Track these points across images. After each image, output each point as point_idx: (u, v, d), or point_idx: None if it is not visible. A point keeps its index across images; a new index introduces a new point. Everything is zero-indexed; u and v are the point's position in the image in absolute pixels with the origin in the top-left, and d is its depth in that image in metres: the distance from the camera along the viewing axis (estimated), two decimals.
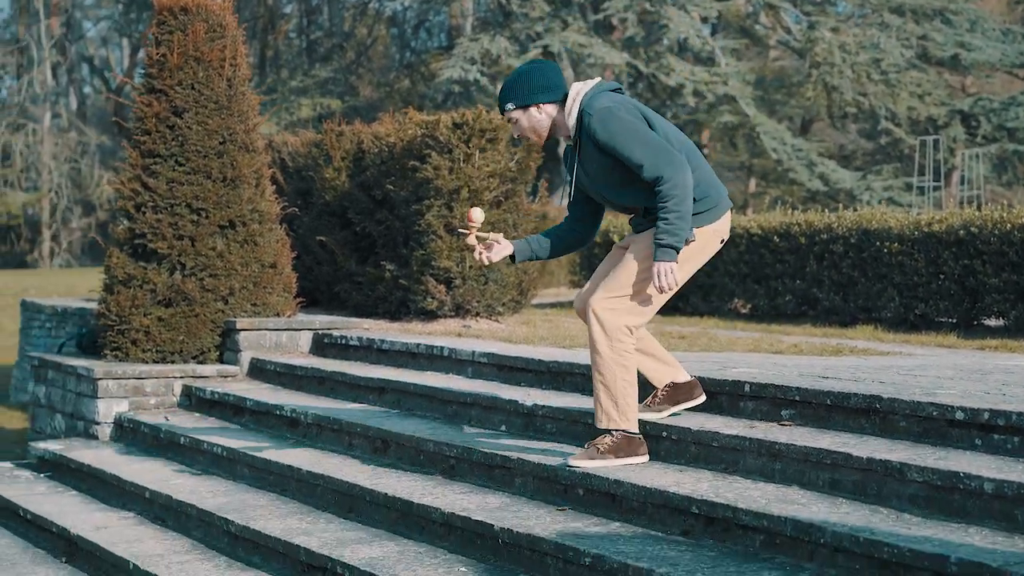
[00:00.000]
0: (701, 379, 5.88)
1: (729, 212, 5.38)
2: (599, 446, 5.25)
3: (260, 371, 8.66)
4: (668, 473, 5.19)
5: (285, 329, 8.92)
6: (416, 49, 40.32)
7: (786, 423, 5.42)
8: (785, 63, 35.34)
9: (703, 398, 5.60)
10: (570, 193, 5.46)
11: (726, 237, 5.42)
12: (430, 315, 9.45)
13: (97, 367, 8.39)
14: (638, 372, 5.35)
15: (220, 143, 8.91)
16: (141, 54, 40.51)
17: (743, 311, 11.31)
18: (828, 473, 4.82)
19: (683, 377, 5.58)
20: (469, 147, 9.19)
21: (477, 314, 9.46)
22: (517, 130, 5.33)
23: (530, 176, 9.66)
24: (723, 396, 5.79)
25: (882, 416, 5.10)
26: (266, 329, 8.84)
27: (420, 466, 6.24)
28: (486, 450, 5.84)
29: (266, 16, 37.86)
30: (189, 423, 7.94)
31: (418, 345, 7.91)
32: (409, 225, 9.55)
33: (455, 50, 28.14)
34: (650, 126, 5.17)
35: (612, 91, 5.28)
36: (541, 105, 5.25)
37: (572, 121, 5.24)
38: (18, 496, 7.33)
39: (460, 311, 9.40)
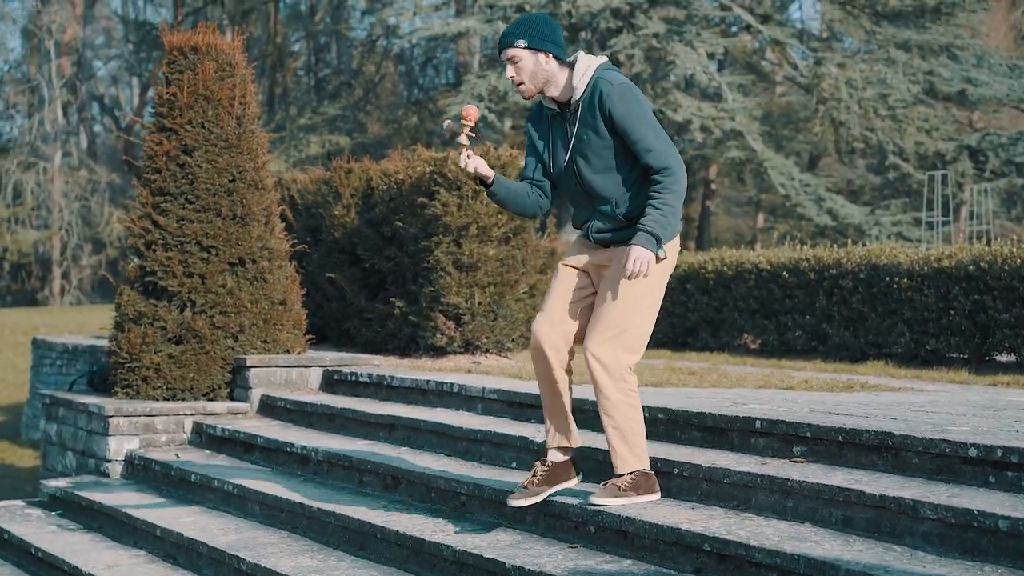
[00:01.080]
0: (712, 415, 5.88)
1: None
2: (620, 484, 5.19)
3: (270, 408, 8.66)
4: (680, 510, 5.17)
5: (295, 366, 8.93)
6: (424, 86, 40.51)
7: (798, 460, 5.40)
8: (792, 98, 35.43)
9: (579, 479, 5.38)
10: (535, 167, 5.23)
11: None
12: (440, 351, 9.45)
13: (108, 404, 8.40)
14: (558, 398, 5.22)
15: (230, 181, 8.95)
16: (151, 93, 40.73)
17: (753, 347, 11.30)
18: (841, 510, 4.80)
19: (568, 454, 5.33)
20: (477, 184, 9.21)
21: (487, 350, 9.46)
22: (515, 71, 5.05)
23: None
24: (734, 433, 5.78)
25: (894, 453, 5.08)
26: (276, 366, 8.84)
27: (431, 503, 6.23)
28: (497, 487, 5.83)
29: (275, 54, 38.08)
30: (200, 460, 7.94)
31: (428, 381, 7.91)
32: (418, 262, 9.57)
33: (462, 87, 28.25)
34: None
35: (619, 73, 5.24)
36: (549, 56, 5.05)
37: (582, 85, 5.03)
38: (29, 534, 7.32)
39: (470, 347, 9.41)
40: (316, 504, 6.34)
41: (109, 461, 8.34)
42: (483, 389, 7.40)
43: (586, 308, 5.21)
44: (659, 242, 4.90)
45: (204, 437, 8.46)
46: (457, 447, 6.87)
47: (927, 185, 20.36)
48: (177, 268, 8.74)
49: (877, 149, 29.67)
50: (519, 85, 5.08)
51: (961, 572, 4.10)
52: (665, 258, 5.04)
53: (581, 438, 5.40)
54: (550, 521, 5.50)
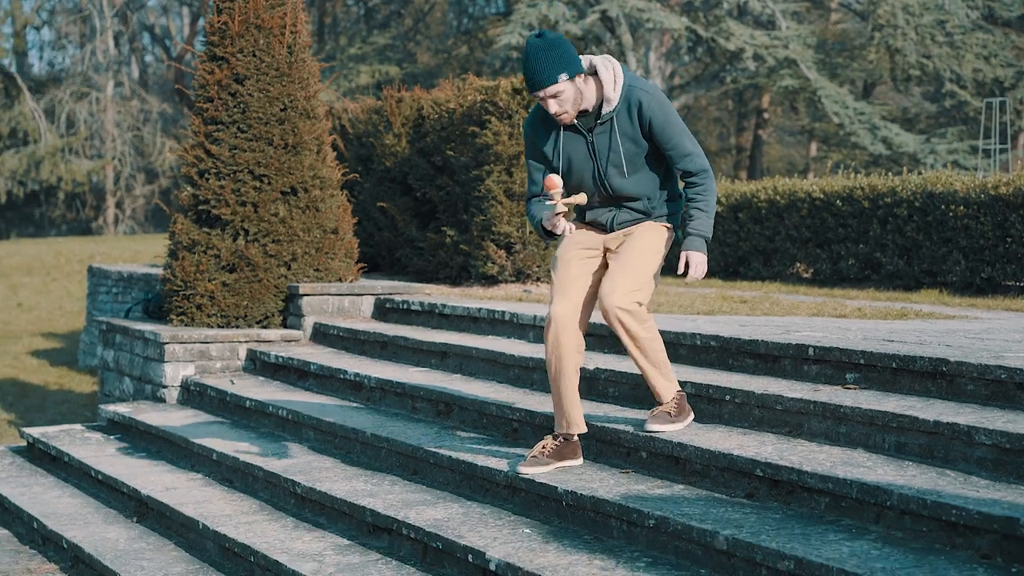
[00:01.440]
0: (764, 342, 5.87)
1: None
2: (669, 411, 5.25)
3: (323, 336, 8.74)
4: (732, 436, 5.18)
5: (347, 294, 8.98)
6: (474, 15, 40.26)
7: (851, 386, 5.39)
8: (847, 26, 34.89)
9: (581, 460, 5.37)
10: (542, 175, 5.18)
11: None
12: (491, 280, 9.48)
13: (164, 332, 8.50)
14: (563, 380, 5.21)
15: (281, 110, 8.97)
16: (201, 22, 40.74)
17: (805, 276, 11.25)
18: (894, 436, 4.79)
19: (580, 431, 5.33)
20: (528, 112, 9.17)
21: (537, 279, 9.47)
22: (558, 104, 4.95)
23: None
24: (786, 360, 5.77)
25: (949, 380, 5.06)
26: (328, 294, 8.90)
27: (483, 429, 6.28)
28: (549, 414, 5.86)
29: None
30: (254, 387, 8.03)
31: (479, 310, 7.93)
32: (469, 191, 9.57)
33: (513, 16, 28.05)
34: None
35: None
36: (582, 75, 5.00)
37: (617, 94, 5.01)
38: (89, 457, 7.46)
39: (520, 276, 9.43)
40: (369, 430, 6.41)
41: (165, 387, 8.46)
42: (534, 317, 7.43)
43: (594, 287, 5.22)
44: (707, 241, 5.09)
45: (258, 364, 8.55)
46: (509, 374, 6.90)
47: (984, 112, 20.05)
48: (230, 197, 8.79)
49: (933, 76, 29.23)
50: (562, 115, 4.99)
51: (1016, 497, 4.09)
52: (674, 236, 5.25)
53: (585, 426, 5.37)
54: (602, 447, 5.53)
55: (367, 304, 9.05)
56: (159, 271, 11.33)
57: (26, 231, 44.02)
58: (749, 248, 11.52)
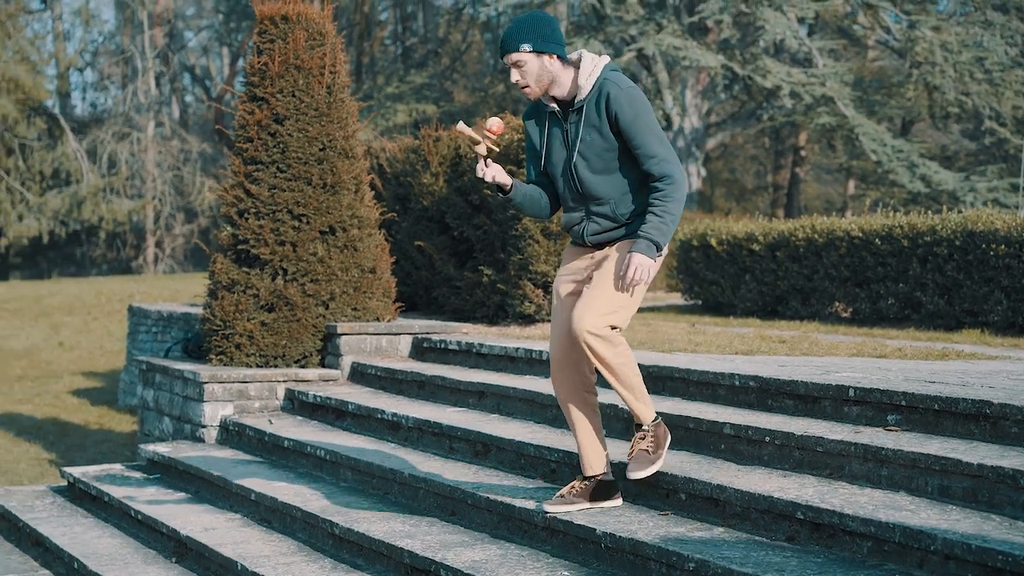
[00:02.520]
0: (804, 383, 5.83)
1: None
2: (647, 447, 5.16)
3: (361, 375, 8.75)
4: (772, 478, 5.14)
5: (385, 333, 9.00)
6: None
7: (892, 428, 5.34)
8: (884, 63, 34.84)
9: (620, 501, 5.37)
10: (536, 167, 5.18)
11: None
12: (528, 319, 9.47)
13: (203, 371, 8.53)
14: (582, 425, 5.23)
15: (320, 149, 9.03)
16: (240, 63, 41.18)
17: (844, 315, 11.17)
18: (937, 479, 4.74)
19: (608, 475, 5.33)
20: None
21: None
22: (519, 75, 4.94)
23: None
24: (827, 401, 5.73)
25: (992, 422, 5.00)
26: (366, 333, 8.92)
27: (521, 470, 6.26)
28: None
29: (362, 23, 38.24)
30: (292, 426, 8.04)
31: (517, 349, 7.93)
32: (506, 230, 9.58)
33: None
34: None
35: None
36: (554, 57, 4.96)
37: (588, 85, 4.95)
38: (129, 497, 7.48)
39: None
40: (407, 471, 6.40)
41: (204, 426, 8.48)
42: None
43: None
44: (658, 248, 4.90)
45: (296, 403, 8.57)
46: (547, 415, 6.88)
47: None
48: (269, 236, 8.84)
49: (972, 114, 29.12)
50: (524, 88, 4.99)
51: None
52: (662, 256, 5.03)
53: (609, 465, 5.34)
54: (641, 488, 5.49)
55: (404, 343, 9.07)
56: (198, 310, 11.39)
57: (67, 271, 44.41)
58: (787, 287, 11.46)
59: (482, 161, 5.02)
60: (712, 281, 12.45)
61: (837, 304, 11.19)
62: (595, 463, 5.26)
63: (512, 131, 9.61)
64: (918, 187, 27.23)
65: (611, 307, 4.95)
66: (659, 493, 5.40)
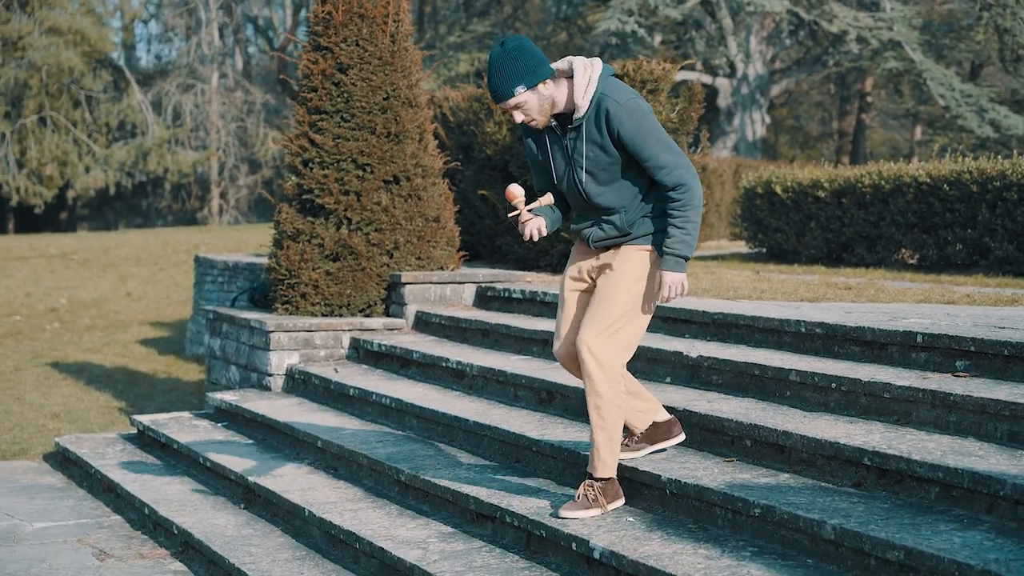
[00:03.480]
0: (871, 329, 5.78)
1: None
2: (589, 495, 4.99)
3: (425, 324, 8.79)
4: (838, 425, 5.12)
5: (449, 282, 9.02)
6: (572, 1, 40.14)
7: (961, 374, 5.29)
8: (954, 6, 34.17)
9: (682, 436, 5.34)
10: (542, 178, 5.07)
11: None
12: None
13: (269, 320, 8.61)
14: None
15: (384, 99, 9.03)
16: (303, 13, 41.23)
17: (910, 262, 11.05)
18: (1007, 425, 4.69)
19: (663, 415, 5.31)
20: None
21: None
22: (523, 113, 4.81)
23: (691, 127, 9.56)
24: (894, 347, 5.68)
25: None
26: (430, 282, 8.95)
27: (585, 417, 6.26)
28: None
29: None
30: (357, 375, 8.11)
31: None
32: None
33: (612, 1, 27.92)
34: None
35: (616, 77, 4.93)
36: (545, 81, 4.78)
37: (586, 101, 4.77)
38: (197, 444, 7.59)
39: None
40: (472, 418, 6.43)
41: (271, 375, 8.57)
42: None
43: None
44: (687, 259, 4.79)
45: (361, 352, 8.63)
46: None
47: None
48: (333, 186, 8.87)
49: None
50: (531, 123, 4.86)
51: None
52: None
53: (659, 404, 5.32)
54: (705, 435, 5.49)
55: (468, 292, 9.09)
56: (263, 260, 11.48)
57: (134, 222, 44.95)
58: (853, 234, 11.34)
59: (529, 229, 4.92)
60: (776, 228, 12.35)
61: (903, 251, 11.06)
62: (655, 404, 5.27)
63: None
64: (987, 132, 26.79)
65: (616, 321, 4.84)
66: (724, 440, 5.39)
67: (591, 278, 5.06)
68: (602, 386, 4.85)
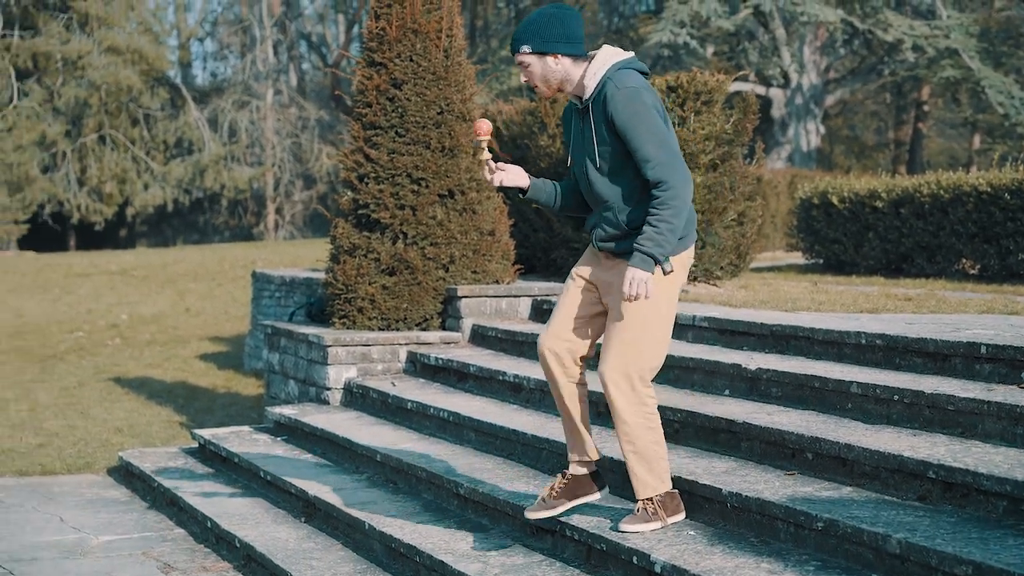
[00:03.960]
0: (933, 341, 5.72)
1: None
2: (647, 508, 4.95)
3: (481, 337, 8.80)
4: (901, 437, 5.06)
5: (505, 296, 9.03)
6: (624, 14, 40.15)
7: None
8: (1012, 12, 33.81)
9: (601, 493, 5.15)
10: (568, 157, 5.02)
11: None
12: None
13: (326, 335, 8.66)
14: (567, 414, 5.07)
15: (438, 113, 9.06)
16: (356, 29, 41.49)
17: (971, 272, 10.94)
18: None
19: (589, 467, 5.12)
20: (684, 110, 9.11)
21: (695, 278, 9.40)
22: (526, 75, 4.83)
23: (746, 138, 9.52)
24: (957, 358, 5.62)
25: None
26: (486, 296, 8.96)
27: None
28: (710, 414, 5.81)
29: None
30: (415, 388, 8.13)
31: None
32: None
33: (664, 13, 27.89)
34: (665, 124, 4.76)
35: (642, 73, 4.84)
36: (559, 56, 4.76)
37: (593, 83, 4.74)
38: (258, 458, 7.64)
39: None
40: (530, 431, 6.43)
41: (329, 389, 8.61)
42: (694, 317, 7.37)
43: (595, 320, 4.98)
44: (656, 261, 4.62)
45: (418, 366, 8.65)
46: (669, 375, 6.86)
47: None
48: (389, 200, 8.91)
49: None
50: (534, 88, 4.87)
51: None
52: (672, 271, 4.77)
53: (598, 452, 5.18)
54: (766, 448, 5.45)
55: (524, 305, 9.09)
56: (320, 275, 11.55)
57: (191, 238, 45.40)
58: (912, 244, 11.25)
59: (486, 167, 4.90)
60: (833, 239, 12.27)
61: (964, 260, 10.96)
62: (593, 448, 5.10)
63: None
64: None
65: (633, 343, 4.74)
66: (784, 453, 5.35)
67: (597, 283, 4.97)
68: (626, 414, 4.81)
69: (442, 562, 5.25)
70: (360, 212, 9.05)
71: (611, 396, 4.80)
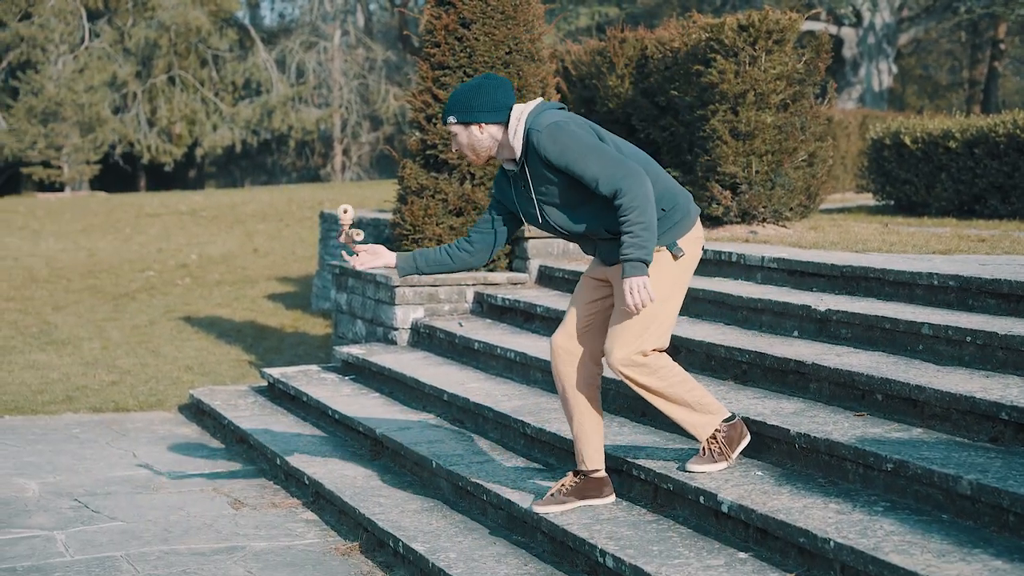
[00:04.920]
0: (1007, 282, 5.64)
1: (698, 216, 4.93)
2: (712, 449, 4.95)
3: (548, 278, 8.80)
4: (973, 379, 5.01)
5: None
6: None
7: None
8: None
9: (612, 497, 5.15)
10: (498, 208, 5.03)
11: (703, 243, 4.99)
12: (715, 221, 9.36)
13: (393, 275, 8.69)
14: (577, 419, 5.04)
15: (507, 53, 9.01)
16: None
17: None
18: None
19: (602, 471, 5.14)
20: (755, 49, 8.99)
21: (763, 219, 9.31)
22: (455, 144, 4.90)
23: (818, 77, 9.38)
24: None
25: None
26: (553, 237, 8.93)
27: (711, 371, 6.23)
28: (779, 355, 5.78)
29: None
30: (481, 329, 8.15)
31: (705, 251, 7.84)
32: (694, 131, 9.45)
33: None
34: (600, 140, 4.74)
35: (556, 109, 4.84)
36: (483, 125, 4.81)
37: (518, 143, 4.76)
38: (326, 397, 7.72)
39: (746, 217, 9.28)
40: None
41: (396, 329, 8.66)
42: (763, 258, 7.31)
43: (608, 317, 4.98)
44: (646, 262, 4.59)
45: (485, 306, 8.67)
46: (736, 316, 6.83)
47: None
48: None
49: None
50: (463, 157, 4.88)
51: None
52: (683, 255, 4.80)
53: (601, 461, 5.13)
54: (835, 389, 5.42)
55: None
56: (387, 216, 11.58)
57: (259, 179, 45.71)
58: (986, 185, 11.06)
59: (343, 252, 4.99)
60: (905, 180, 12.09)
61: None
62: (592, 458, 5.08)
63: (699, 31, 9.42)
64: None
65: (637, 332, 4.76)
66: (854, 394, 5.31)
67: (610, 276, 4.96)
68: (651, 385, 4.83)
69: (509, 500, 5.28)
70: (428, 153, 9.05)
71: (631, 376, 4.82)
